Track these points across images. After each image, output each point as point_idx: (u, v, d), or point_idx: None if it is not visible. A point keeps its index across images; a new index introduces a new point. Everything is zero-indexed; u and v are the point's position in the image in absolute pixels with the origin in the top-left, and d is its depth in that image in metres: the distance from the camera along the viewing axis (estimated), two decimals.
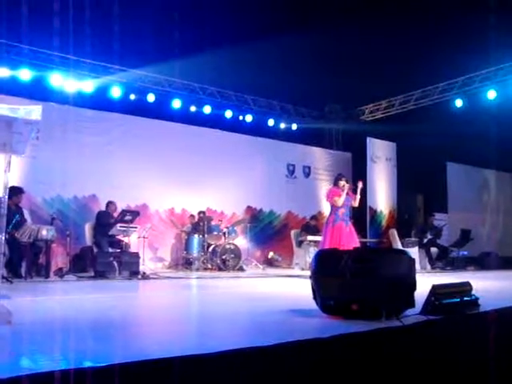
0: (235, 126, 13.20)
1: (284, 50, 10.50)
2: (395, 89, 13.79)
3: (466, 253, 12.88)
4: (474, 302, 3.85)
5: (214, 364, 2.32)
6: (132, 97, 11.69)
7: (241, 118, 13.56)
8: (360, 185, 7.90)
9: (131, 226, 9.01)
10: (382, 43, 10.64)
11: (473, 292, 3.91)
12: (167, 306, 5.12)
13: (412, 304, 3.47)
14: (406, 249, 11.03)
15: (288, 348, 2.62)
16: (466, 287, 3.89)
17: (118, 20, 8.37)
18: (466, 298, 3.81)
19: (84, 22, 7.97)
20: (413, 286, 3.46)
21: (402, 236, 12.32)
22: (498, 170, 16.44)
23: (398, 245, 11.55)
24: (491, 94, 12.58)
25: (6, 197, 3.39)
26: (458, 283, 3.99)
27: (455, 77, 13.08)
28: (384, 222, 14.16)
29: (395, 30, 10.22)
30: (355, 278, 3.41)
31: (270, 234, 13.26)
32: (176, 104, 12.30)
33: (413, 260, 3.55)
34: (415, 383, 3.03)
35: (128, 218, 8.97)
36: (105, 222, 9.08)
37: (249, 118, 13.61)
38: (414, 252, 11.38)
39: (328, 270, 3.60)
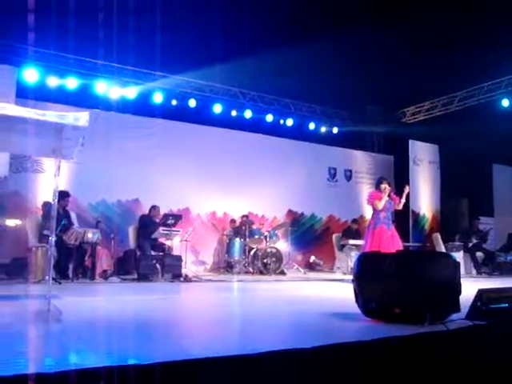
0: (276, 130, 13.23)
1: (324, 54, 10.46)
2: (438, 90, 13.52)
3: None
4: None
5: (256, 364, 2.34)
6: (174, 102, 11.89)
7: (281, 122, 13.57)
8: (407, 189, 7.77)
9: (174, 229, 9.15)
10: (423, 43, 10.47)
11: None
12: (209, 307, 5.17)
13: (457, 308, 3.40)
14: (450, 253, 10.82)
15: (330, 350, 2.62)
16: None
17: (160, 27, 8.54)
18: None
19: (126, 31, 8.15)
20: (458, 289, 3.38)
21: (445, 240, 12.08)
22: None
23: (442, 249, 11.32)
24: None
25: (56, 200, 3.51)
26: (506, 288, 3.88)
27: (501, 76, 12.75)
28: (427, 226, 13.91)
29: (437, 30, 10.05)
30: (398, 281, 3.36)
31: (312, 237, 13.21)
32: (217, 109, 12.44)
33: (457, 263, 3.48)
34: None
35: (170, 221, 9.11)
36: (147, 226, 9.23)
37: (289, 121, 13.61)
38: (458, 256, 11.14)
39: (371, 273, 3.57)
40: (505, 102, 12.83)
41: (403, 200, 7.64)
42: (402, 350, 2.89)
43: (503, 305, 3.59)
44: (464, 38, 10.24)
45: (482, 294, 3.51)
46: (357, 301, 3.70)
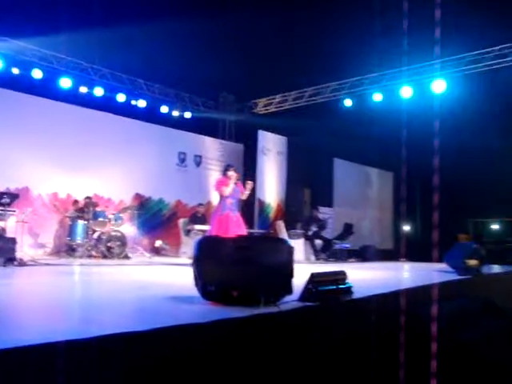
0: (127, 111, 12.84)
1: (181, 37, 10.38)
2: (289, 84, 14.12)
3: (348, 245, 13.56)
4: (348, 290, 4.04)
5: (94, 349, 2.26)
6: (15, 71, 10.95)
7: (133, 102, 13.22)
8: (250, 185, 7.86)
9: (8, 209, 8.51)
10: (278, 38, 10.84)
11: (347, 280, 4.10)
12: (46, 293, 4.85)
13: (290, 291, 3.56)
14: (291, 240, 11.40)
15: (166, 332, 2.61)
16: (341, 276, 4.06)
17: None
18: (340, 286, 3.98)
19: None
20: (291, 273, 3.54)
21: (288, 228, 12.69)
22: (380, 168, 17.46)
23: (284, 236, 11.87)
24: (377, 97, 13.31)
25: None
26: (334, 272, 4.16)
27: (346, 77, 13.66)
28: (272, 214, 14.50)
29: (292, 27, 10.47)
30: (236, 264, 3.43)
31: (159, 222, 13.09)
32: (64, 83, 11.70)
33: (291, 248, 3.64)
34: (292, 365, 3.14)
35: (5, 200, 8.47)
36: None
37: (142, 103, 13.30)
38: (299, 243, 11.78)
39: (209, 257, 3.60)
40: (347, 102, 13.78)
41: (247, 192, 7.82)
42: (236, 331, 2.96)
43: (331, 287, 3.85)
44: (316, 37, 10.79)
45: (313, 277, 3.72)
46: (196, 284, 3.71)
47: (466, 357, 4.53)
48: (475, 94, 12.16)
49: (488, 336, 5.35)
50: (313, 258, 12.47)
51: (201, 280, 3.61)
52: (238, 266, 3.42)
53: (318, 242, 12.86)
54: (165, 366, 2.50)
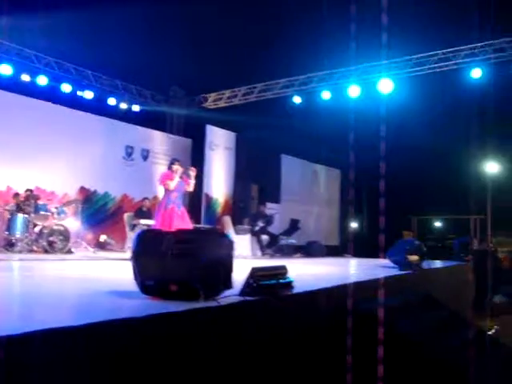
0: (72, 102, 12.51)
1: (132, 29, 10.22)
2: (239, 80, 14.14)
3: (294, 241, 13.69)
4: (289, 284, 4.07)
5: (32, 344, 2.21)
6: None
7: (80, 93, 12.89)
8: (192, 172, 7.83)
9: None
10: (229, 33, 10.83)
11: (288, 275, 4.12)
12: None
13: (230, 285, 3.55)
14: (238, 235, 11.42)
15: (104, 327, 2.58)
16: (282, 270, 4.08)
17: None
18: (281, 281, 3.99)
19: None
20: (230, 267, 3.54)
21: (235, 223, 12.69)
22: (328, 165, 17.72)
23: (231, 232, 11.86)
24: (326, 95, 13.49)
25: None
26: (275, 266, 4.17)
27: (295, 75, 13.78)
28: (219, 210, 14.46)
29: (244, 23, 10.47)
30: (175, 258, 3.40)
31: (104, 216, 12.83)
32: (4, 70, 11.25)
33: (231, 242, 3.63)
34: (231, 360, 3.14)
35: None
36: None
37: (89, 94, 13.00)
38: (245, 239, 11.81)
39: (148, 251, 3.55)
40: (296, 99, 13.90)
41: (192, 181, 7.78)
42: (174, 325, 2.94)
43: (272, 281, 3.86)
44: (267, 34, 10.85)
45: (254, 272, 3.72)
46: (136, 278, 3.66)
47: (406, 349, 4.66)
48: (421, 95, 12.52)
49: (427, 328, 5.54)
50: (259, 253, 12.51)
51: (139, 274, 3.56)
52: (176, 260, 3.38)
53: (265, 237, 12.91)
54: (103, 361, 2.46)
